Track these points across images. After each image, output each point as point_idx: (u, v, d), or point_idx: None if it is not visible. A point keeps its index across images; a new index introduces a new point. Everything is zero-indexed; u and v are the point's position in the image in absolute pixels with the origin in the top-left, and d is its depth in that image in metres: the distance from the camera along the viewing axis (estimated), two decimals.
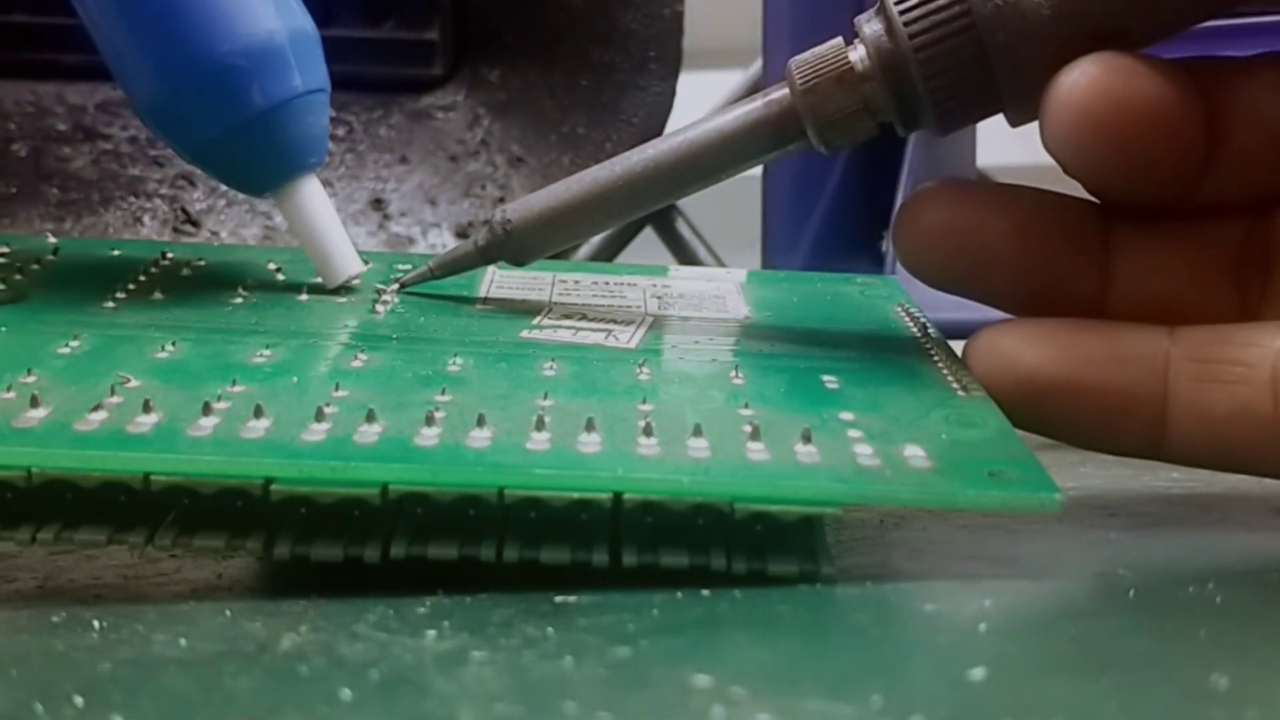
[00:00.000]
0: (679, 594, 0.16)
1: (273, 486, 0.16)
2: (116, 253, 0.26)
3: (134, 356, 0.20)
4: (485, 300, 0.24)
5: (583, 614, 0.16)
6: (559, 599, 0.16)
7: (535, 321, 0.23)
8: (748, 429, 0.18)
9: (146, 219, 0.39)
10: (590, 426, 0.18)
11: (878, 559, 0.19)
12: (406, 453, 0.17)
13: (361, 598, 0.16)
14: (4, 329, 0.21)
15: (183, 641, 0.15)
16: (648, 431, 0.18)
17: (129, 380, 0.19)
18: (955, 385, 0.21)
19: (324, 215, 0.23)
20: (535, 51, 0.42)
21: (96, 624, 0.16)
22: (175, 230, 0.39)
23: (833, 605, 0.17)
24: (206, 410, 0.18)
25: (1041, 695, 0.13)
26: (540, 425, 0.18)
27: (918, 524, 0.22)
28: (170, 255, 0.25)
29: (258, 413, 0.18)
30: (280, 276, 0.25)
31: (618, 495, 0.17)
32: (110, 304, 0.22)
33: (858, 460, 0.18)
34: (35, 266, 0.24)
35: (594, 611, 0.16)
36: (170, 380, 0.19)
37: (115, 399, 0.18)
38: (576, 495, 0.17)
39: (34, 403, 0.18)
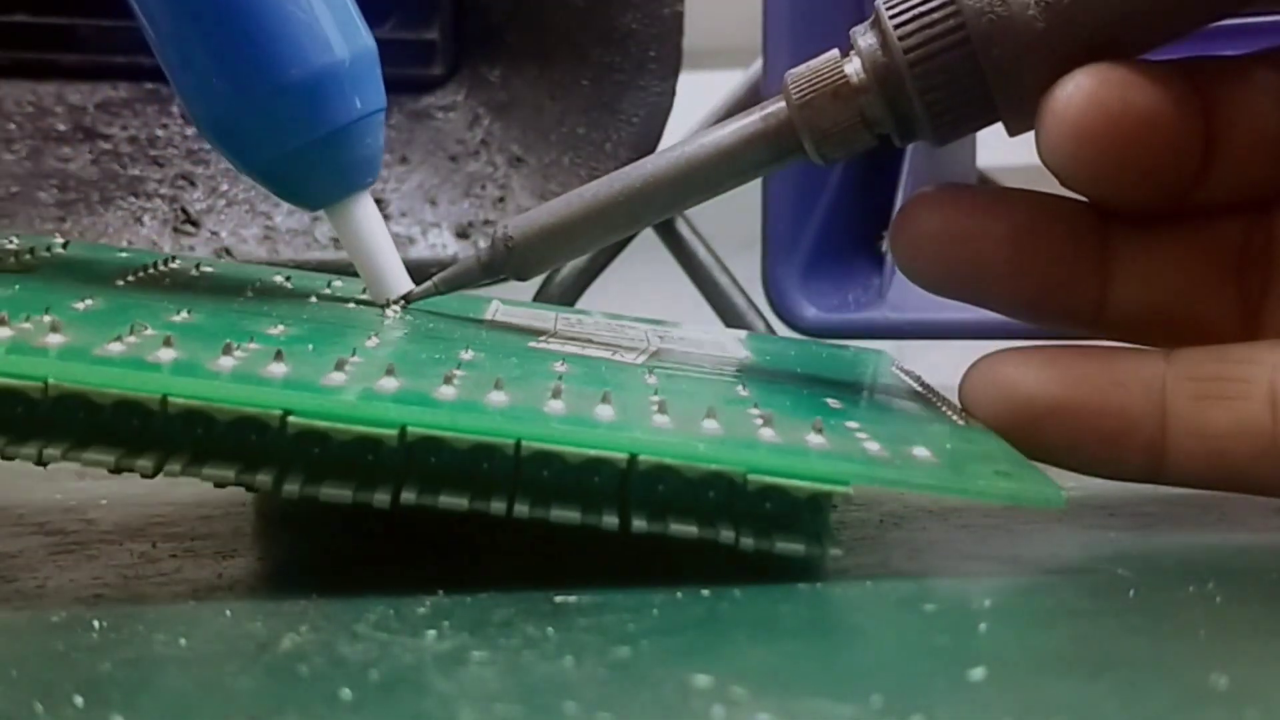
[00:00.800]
0: (679, 594, 0.16)
1: (290, 419, 0.16)
2: (123, 254, 0.26)
3: (149, 317, 0.19)
4: (491, 324, 0.24)
5: (583, 614, 0.16)
6: (559, 599, 0.16)
7: (542, 339, 0.23)
8: (759, 420, 0.18)
9: (146, 219, 0.39)
10: (606, 400, 0.18)
11: (878, 559, 0.19)
12: (425, 400, 0.17)
13: (361, 598, 0.16)
14: (18, 287, 0.20)
15: (183, 641, 0.15)
16: (662, 410, 0.18)
17: (147, 328, 0.18)
18: (954, 416, 0.21)
19: (377, 232, 0.24)
20: (535, 51, 0.42)
21: (96, 624, 0.16)
22: (175, 230, 0.39)
23: (833, 605, 0.17)
24: (227, 351, 0.17)
25: (1041, 695, 0.13)
26: (556, 395, 0.18)
27: (918, 524, 0.22)
28: (176, 262, 0.25)
29: (278, 358, 0.17)
30: (288, 285, 0.25)
31: (632, 458, 0.16)
32: (120, 283, 0.22)
33: (867, 451, 0.18)
34: (45, 253, 0.24)
35: (594, 611, 0.16)
36: (186, 335, 0.18)
37: (134, 338, 0.17)
38: (592, 452, 0.16)
39: (54, 329, 0.17)
